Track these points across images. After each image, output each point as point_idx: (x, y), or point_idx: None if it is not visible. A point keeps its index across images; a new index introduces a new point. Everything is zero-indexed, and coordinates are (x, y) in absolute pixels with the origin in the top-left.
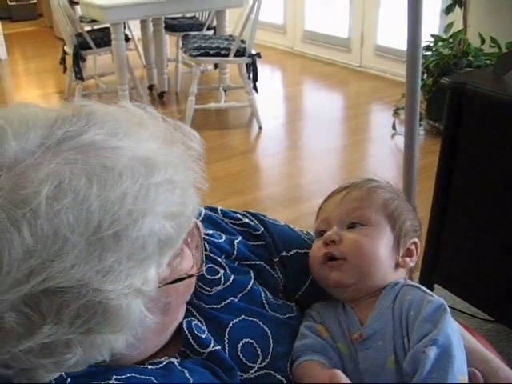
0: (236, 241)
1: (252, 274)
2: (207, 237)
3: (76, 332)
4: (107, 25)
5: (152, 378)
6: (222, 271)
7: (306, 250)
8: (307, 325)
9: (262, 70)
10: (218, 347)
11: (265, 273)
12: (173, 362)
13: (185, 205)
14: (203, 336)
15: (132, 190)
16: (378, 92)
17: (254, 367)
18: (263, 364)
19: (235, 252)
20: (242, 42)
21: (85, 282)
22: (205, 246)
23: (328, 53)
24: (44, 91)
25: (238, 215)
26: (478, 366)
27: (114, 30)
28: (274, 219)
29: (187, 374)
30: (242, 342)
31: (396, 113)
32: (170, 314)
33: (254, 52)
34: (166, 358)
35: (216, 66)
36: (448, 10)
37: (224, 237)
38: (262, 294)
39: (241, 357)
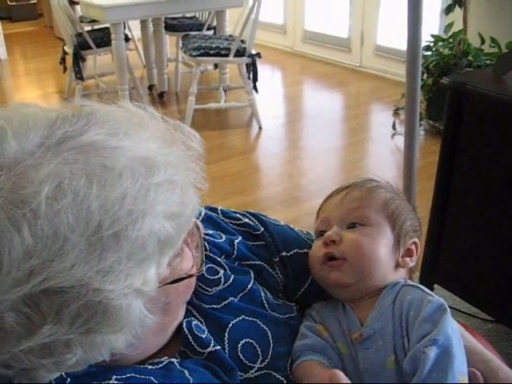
0: (236, 241)
1: (252, 274)
2: (207, 237)
3: (76, 332)
4: (107, 25)
5: (152, 377)
6: (222, 271)
7: (305, 250)
8: (307, 325)
9: (262, 70)
10: (218, 347)
11: (265, 273)
12: (173, 362)
13: (185, 205)
14: (203, 336)
15: (132, 189)
16: (378, 92)
17: (253, 367)
18: (263, 364)
19: (235, 252)
20: (242, 41)
21: (85, 281)
22: (205, 246)
23: (328, 53)
24: (44, 91)
25: (238, 215)
26: (478, 366)
27: (114, 29)
28: (274, 219)
29: (187, 374)
30: (242, 342)
31: (396, 113)
32: (169, 314)
33: (254, 52)
34: (166, 357)
35: (216, 65)
36: (448, 10)
37: (224, 237)
38: (262, 293)
39: (241, 357)
